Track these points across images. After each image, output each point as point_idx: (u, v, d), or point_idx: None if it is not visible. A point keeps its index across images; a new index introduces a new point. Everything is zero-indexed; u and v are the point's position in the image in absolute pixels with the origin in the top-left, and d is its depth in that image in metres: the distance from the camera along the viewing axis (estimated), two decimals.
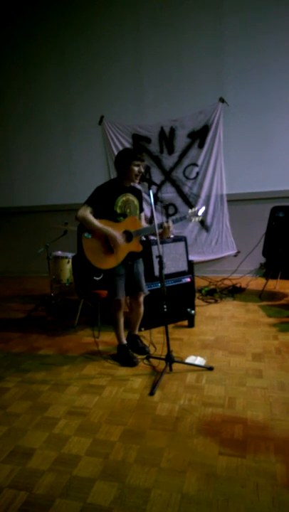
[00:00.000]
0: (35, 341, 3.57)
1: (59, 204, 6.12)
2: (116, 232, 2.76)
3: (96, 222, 2.72)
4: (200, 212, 2.96)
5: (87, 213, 2.72)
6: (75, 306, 4.22)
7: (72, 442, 2.07)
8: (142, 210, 3.05)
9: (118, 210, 2.83)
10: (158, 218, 2.87)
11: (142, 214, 3.07)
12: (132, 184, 2.92)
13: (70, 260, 4.19)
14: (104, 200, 2.78)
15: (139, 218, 3.01)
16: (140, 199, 3.02)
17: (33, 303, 4.70)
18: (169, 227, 2.83)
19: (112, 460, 1.92)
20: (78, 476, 1.82)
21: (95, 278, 2.81)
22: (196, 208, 2.98)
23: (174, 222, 2.89)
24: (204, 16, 5.16)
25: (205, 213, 5.56)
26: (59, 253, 4.34)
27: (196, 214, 2.94)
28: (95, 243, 2.76)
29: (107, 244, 2.78)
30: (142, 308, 3.16)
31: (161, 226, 2.82)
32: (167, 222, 2.84)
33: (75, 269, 3.92)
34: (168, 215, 5.70)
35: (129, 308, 3.28)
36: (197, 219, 2.99)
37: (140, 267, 3.07)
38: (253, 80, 5.12)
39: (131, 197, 2.91)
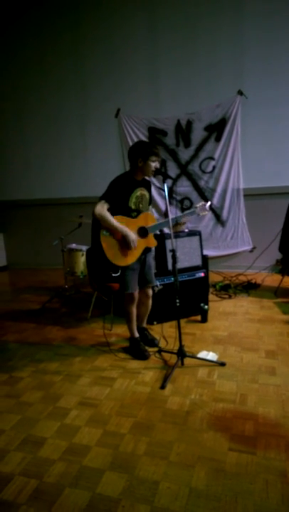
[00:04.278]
0: (49, 332, 3.62)
1: (74, 197, 6.14)
2: (132, 233, 2.75)
3: (113, 221, 2.70)
4: (207, 206, 2.95)
5: (104, 211, 2.69)
6: (88, 298, 4.24)
7: (83, 433, 2.09)
8: (151, 202, 3.05)
9: (133, 206, 2.82)
10: (172, 212, 2.85)
11: (150, 206, 3.07)
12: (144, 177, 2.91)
13: (85, 253, 4.22)
14: (119, 196, 2.77)
15: (150, 210, 3.00)
16: (150, 191, 3.02)
17: (47, 295, 4.75)
18: (181, 224, 2.84)
19: (121, 452, 1.93)
20: (88, 466, 1.84)
21: (113, 275, 2.80)
22: (202, 203, 2.97)
23: (178, 220, 2.96)
24: (223, 7, 5.05)
25: (221, 208, 5.50)
26: (73, 246, 4.36)
27: (204, 209, 2.94)
28: (112, 240, 2.76)
29: (124, 242, 2.77)
30: (150, 301, 3.17)
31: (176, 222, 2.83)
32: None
33: (89, 262, 3.94)
34: (183, 209, 5.66)
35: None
36: (205, 213, 2.99)
37: (151, 259, 3.08)
38: (273, 72, 4.99)
39: (143, 191, 2.90)
